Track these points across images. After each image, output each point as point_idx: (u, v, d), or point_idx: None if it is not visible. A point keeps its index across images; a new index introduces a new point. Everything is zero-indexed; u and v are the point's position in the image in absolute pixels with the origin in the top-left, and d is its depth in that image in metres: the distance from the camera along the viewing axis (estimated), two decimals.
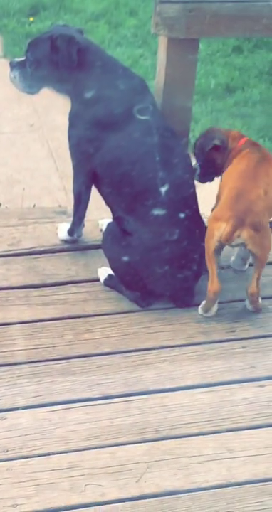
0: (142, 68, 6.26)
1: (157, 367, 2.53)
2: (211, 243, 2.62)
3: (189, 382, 2.48)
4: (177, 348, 2.62)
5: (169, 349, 2.61)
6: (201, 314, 2.74)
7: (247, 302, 2.77)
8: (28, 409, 2.34)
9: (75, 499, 2.07)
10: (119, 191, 2.73)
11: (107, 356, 2.57)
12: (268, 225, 2.66)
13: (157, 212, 2.63)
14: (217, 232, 2.59)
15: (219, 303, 2.76)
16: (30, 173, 5.28)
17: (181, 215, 2.68)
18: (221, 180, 2.76)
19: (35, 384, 2.43)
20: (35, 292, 2.84)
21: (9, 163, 5.47)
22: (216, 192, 2.76)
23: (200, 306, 2.75)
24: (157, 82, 2.88)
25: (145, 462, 2.19)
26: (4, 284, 2.87)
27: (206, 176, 2.84)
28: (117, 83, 2.73)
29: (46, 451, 2.21)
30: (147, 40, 7.12)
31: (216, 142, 2.74)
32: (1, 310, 2.74)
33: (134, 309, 2.78)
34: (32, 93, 2.93)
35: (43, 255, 3.03)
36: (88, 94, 2.74)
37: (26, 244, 3.06)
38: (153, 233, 2.67)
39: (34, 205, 4.11)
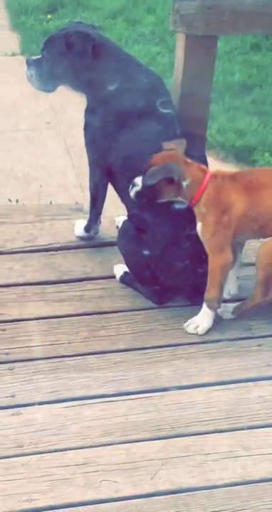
0: (159, 66, 6.26)
1: (172, 364, 2.53)
2: None
3: (205, 380, 2.47)
4: (193, 346, 2.61)
5: (184, 346, 2.61)
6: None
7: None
8: (44, 405, 2.35)
9: (90, 495, 2.07)
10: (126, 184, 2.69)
11: (122, 353, 2.57)
12: None
13: (179, 206, 2.62)
14: None
15: (237, 301, 2.75)
16: (47, 171, 5.30)
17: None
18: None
19: (51, 380, 2.44)
20: (51, 289, 2.85)
21: (26, 161, 5.49)
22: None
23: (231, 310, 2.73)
24: (174, 80, 2.87)
25: (160, 459, 2.18)
26: (21, 280, 2.88)
27: (144, 198, 2.61)
28: (133, 80, 2.73)
29: (62, 446, 2.21)
30: (165, 38, 7.13)
31: (175, 177, 2.51)
32: (18, 306, 2.74)
33: (150, 306, 2.78)
34: (48, 91, 2.93)
35: (59, 252, 3.04)
36: (104, 91, 2.74)
37: (43, 241, 3.07)
38: (174, 228, 2.66)
39: (51, 202, 4.13)
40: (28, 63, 2.87)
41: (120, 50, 2.85)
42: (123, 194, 2.81)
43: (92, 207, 2.98)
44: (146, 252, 2.69)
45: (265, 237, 2.60)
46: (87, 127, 2.83)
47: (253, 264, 2.68)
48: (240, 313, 2.72)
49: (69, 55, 2.75)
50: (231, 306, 2.74)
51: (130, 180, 2.59)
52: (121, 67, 2.74)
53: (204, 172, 2.56)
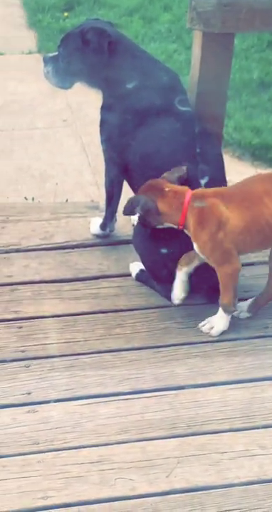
0: (175, 63, 6.24)
1: (187, 362, 2.53)
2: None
3: (221, 378, 2.47)
4: (209, 344, 2.61)
5: (200, 345, 2.60)
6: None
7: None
8: (60, 403, 2.35)
9: (105, 493, 2.07)
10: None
11: (137, 351, 2.57)
12: None
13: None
14: None
15: (250, 298, 2.75)
16: (63, 168, 5.31)
17: None
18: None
19: (67, 377, 2.44)
20: (67, 286, 2.85)
21: (42, 158, 5.50)
22: None
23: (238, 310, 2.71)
24: (191, 77, 2.86)
25: (176, 457, 2.18)
26: (37, 278, 2.88)
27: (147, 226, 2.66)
28: (150, 77, 2.72)
29: (77, 444, 2.21)
30: (181, 35, 7.11)
31: (138, 211, 2.54)
32: (34, 304, 2.75)
33: (165, 304, 2.77)
34: (65, 88, 2.94)
35: (75, 250, 3.04)
36: (120, 89, 2.73)
37: (59, 239, 3.08)
38: None
39: (66, 200, 4.13)
40: (45, 60, 2.87)
41: (137, 47, 2.84)
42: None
43: (107, 204, 2.98)
44: (163, 250, 2.68)
45: None
46: (103, 124, 2.83)
47: (262, 263, 2.66)
48: (255, 310, 2.71)
49: (85, 52, 2.75)
50: (246, 304, 2.73)
51: (147, 179, 2.59)
52: (138, 64, 2.74)
53: (183, 195, 2.51)
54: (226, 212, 2.47)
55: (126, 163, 2.77)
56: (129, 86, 2.70)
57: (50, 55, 2.87)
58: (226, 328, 2.64)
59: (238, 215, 2.48)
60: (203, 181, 2.62)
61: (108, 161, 2.86)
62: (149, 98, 2.69)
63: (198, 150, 2.62)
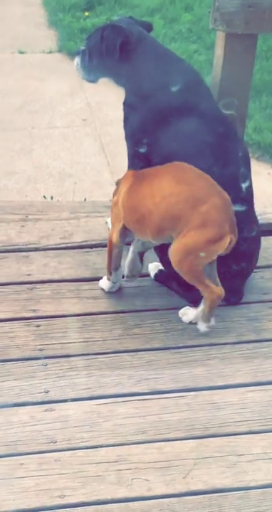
0: (196, 63, 6.23)
1: (206, 364, 2.52)
2: (202, 266, 2.49)
3: (239, 381, 2.46)
4: (227, 346, 2.60)
5: (219, 346, 2.60)
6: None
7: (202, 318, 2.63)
8: (77, 402, 2.35)
9: (122, 493, 2.07)
10: None
11: (156, 352, 2.57)
12: None
13: (237, 208, 2.58)
14: (221, 249, 2.44)
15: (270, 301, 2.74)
16: (82, 168, 5.32)
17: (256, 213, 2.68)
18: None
19: (85, 377, 2.44)
20: (85, 286, 2.85)
21: (62, 157, 5.51)
22: None
23: (192, 317, 2.66)
24: (213, 78, 2.86)
25: (193, 459, 2.18)
26: (56, 276, 2.88)
27: None
28: (173, 76, 2.70)
29: (94, 443, 2.21)
30: (202, 36, 7.10)
31: None
32: (53, 303, 2.75)
33: (184, 305, 2.76)
34: (90, 81, 2.95)
35: (94, 249, 3.04)
36: (141, 87, 2.72)
37: (78, 238, 3.08)
38: None
39: (85, 199, 4.13)
40: (76, 52, 2.90)
41: (160, 46, 2.82)
42: None
43: None
44: None
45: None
46: (126, 121, 2.82)
47: None
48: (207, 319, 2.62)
49: (101, 48, 2.76)
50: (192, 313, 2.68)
51: None
52: (161, 63, 2.72)
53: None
54: (123, 189, 2.59)
55: (150, 161, 2.75)
56: (152, 85, 2.69)
57: (82, 47, 2.89)
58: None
59: (129, 194, 2.57)
60: (244, 185, 2.61)
61: (132, 157, 2.84)
62: (172, 98, 2.68)
63: (240, 154, 2.61)
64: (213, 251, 2.45)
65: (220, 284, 2.58)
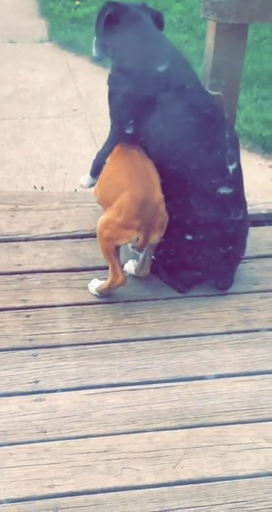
0: (187, 54, 6.19)
1: (196, 354, 2.52)
2: (113, 244, 2.62)
3: (229, 370, 2.46)
4: (218, 336, 2.60)
5: (209, 336, 2.60)
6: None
7: None
8: (67, 392, 2.35)
9: (112, 482, 2.08)
10: (174, 169, 2.64)
11: (146, 342, 2.57)
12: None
13: (224, 191, 2.59)
14: (127, 239, 2.61)
15: (262, 291, 2.74)
16: (72, 158, 5.31)
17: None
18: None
19: (75, 367, 2.44)
20: (76, 276, 2.85)
21: (52, 148, 5.50)
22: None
23: (96, 287, 2.75)
24: (204, 68, 2.85)
25: (183, 448, 2.18)
26: (46, 267, 2.88)
27: None
28: (158, 56, 2.66)
29: (84, 433, 2.22)
30: (193, 26, 7.10)
31: None
32: (43, 293, 2.75)
33: (174, 296, 2.77)
34: (97, 59, 2.97)
35: (84, 239, 3.04)
36: (127, 63, 2.70)
37: (68, 228, 3.08)
38: (217, 212, 2.64)
39: (76, 190, 4.12)
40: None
41: (152, 28, 2.76)
42: (163, 177, 2.70)
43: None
44: (173, 241, 2.68)
45: None
46: (111, 97, 2.77)
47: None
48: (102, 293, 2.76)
49: (96, 22, 2.80)
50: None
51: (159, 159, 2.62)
52: (147, 42, 2.69)
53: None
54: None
55: (135, 141, 2.70)
56: (136, 62, 2.66)
57: None
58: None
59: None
60: (231, 167, 2.60)
61: (117, 135, 2.78)
62: (156, 78, 2.63)
63: (227, 135, 2.59)
64: (121, 235, 2.60)
65: (144, 271, 2.77)
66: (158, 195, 2.58)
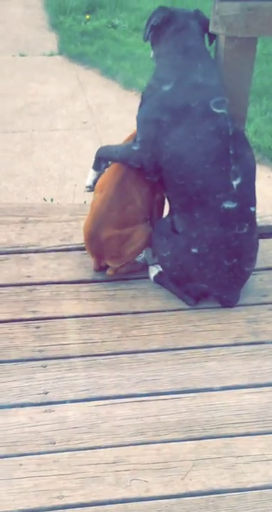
0: None
1: (204, 366, 2.53)
2: None
3: (237, 382, 2.47)
4: (226, 348, 2.61)
5: (217, 348, 2.61)
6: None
7: None
8: (76, 403, 2.36)
9: (120, 493, 2.08)
10: (181, 184, 2.66)
11: (154, 353, 2.58)
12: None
13: (228, 205, 2.61)
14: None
15: (271, 303, 2.75)
16: (82, 170, 5.32)
17: (252, 209, 2.69)
18: None
19: (84, 378, 2.45)
20: (85, 287, 2.87)
21: (62, 160, 5.53)
22: None
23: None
24: None
25: (191, 460, 2.18)
26: (55, 278, 2.90)
27: None
28: (196, 74, 2.67)
29: (93, 444, 2.22)
30: None
31: None
32: (52, 304, 2.76)
33: (183, 307, 2.78)
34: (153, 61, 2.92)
35: None
36: (159, 76, 2.73)
37: (78, 240, 3.09)
38: (222, 228, 2.65)
39: (85, 202, 4.14)
40: None
41: (192, 40, 2.74)
42: (170, 191, 2.75)
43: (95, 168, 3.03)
44: (182, 253, 2.69)
45: None
46: (142, 104, 2.79)
47: None
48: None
49: (145, 26, 2.86)
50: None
51: (178, 176, 2.65)
52: (185, 57, 2.70)
53: None
54: None
55: (157, 156, 2.71)
56: (175, 78, 2.67)
57: None
58: None
59: None
60: (235, 182, 2.61)
61: (136, 149, 2.77)
62: (190, 95, 2.64)
63: (231, 152, 2.61)
64: None
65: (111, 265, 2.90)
66: (108, 233, 2.77)
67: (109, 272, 2.88)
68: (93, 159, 3.02)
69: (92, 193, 2.97)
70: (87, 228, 2.84)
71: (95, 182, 2.99)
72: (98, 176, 2.97)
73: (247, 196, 2.67)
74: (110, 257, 2.83)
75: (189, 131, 2.62)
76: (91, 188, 3.02)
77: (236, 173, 2.62)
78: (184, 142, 2.63)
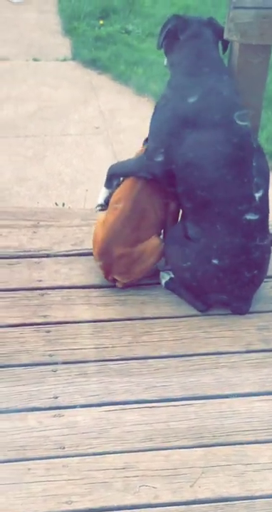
0: None
1: (215, 372, 2.52)
2: None
3: (248, 390, 2.46)
4: (236, 355, 2.60)
5: (228, 355, 2.60)
6: None
7: None
8: (86, 408, 2.36)
9: (129, 500, 2.08)
10: (202, 195, 2.65)
11: (165, 359, 2.57)
12: None
13: (250, 217, 2.62)
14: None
15: None
16: (93, 175, 5.33)
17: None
18: None
19: (94, 383, 2.45)
20: (96, 292, 2.87)
21: (74, 165, 5.54)
22: None
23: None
24: None
25: (200, 467, 2.18)
26: (67, 283, 2.90)
27: None
28: (217, 85, 2.67)
29: (102, 450, 2.22)
30: None
31: None
32: (63, 309, 2.77)
33: (193, 314, 2.78)
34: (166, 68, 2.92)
35: None
36: (173, 81, 2.74)
37: (89, 245, 3.08)
38: (241, 238, 2.65)
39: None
40: None
41: (207, 49, 2.74)
42: (189, 202, 2.73)
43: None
44: (194, 260, 2.69)
45: None
46: (155, 113, 2.79)
47: None
48: None
49: (159, 34, 2.84)
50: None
51: (188, 187, 2.64)
52: (197, 65, 2.70)
53: None
54: None
55: (169, 163, 2.71)
56: (196, 91, 2.66)
57: None
58: None
59: None
60: (257, 195, 2.61)
61: (148, 159, 2.78)
62: (212, 107, 2.64)
63: (254, 164, 2.62)
64: None
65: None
66: (120, 251, 2.75)
67: (118, 284, 2.86)
68: (105, 177, 3.02)
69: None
70: (99, 244, 2.82)
71: (107, 201, 2.99)
72: (110, 195, 2.96)
73: (266, 207, 2.67)
74: (118, 273, 2.82)
75: (210, 143, 2.61)
76: (103, 207, 3.02)
77: (259, 186, 2.62)
78: (204, 153, 2.62)
